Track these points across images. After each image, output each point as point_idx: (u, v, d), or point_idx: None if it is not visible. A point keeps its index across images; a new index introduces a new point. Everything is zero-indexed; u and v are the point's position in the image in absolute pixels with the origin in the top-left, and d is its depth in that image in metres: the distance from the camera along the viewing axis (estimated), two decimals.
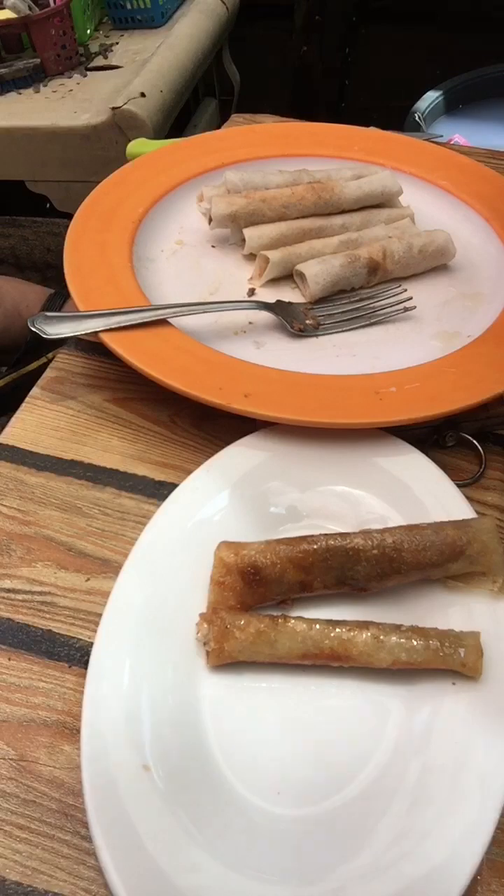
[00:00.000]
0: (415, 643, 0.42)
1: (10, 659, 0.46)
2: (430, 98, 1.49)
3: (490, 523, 0.47)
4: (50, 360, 0.65)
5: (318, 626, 0.43)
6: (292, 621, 0.43)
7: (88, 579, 0.50)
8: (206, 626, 0.44)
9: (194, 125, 1.67)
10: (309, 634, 0.43)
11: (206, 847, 0.37)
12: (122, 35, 1.58)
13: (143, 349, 0.57)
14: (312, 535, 0.47)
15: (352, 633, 0.43)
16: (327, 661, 0.43)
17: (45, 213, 1.38)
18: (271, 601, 0.46)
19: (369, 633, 0.43)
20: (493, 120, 1.49)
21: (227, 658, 0.43)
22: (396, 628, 0.43)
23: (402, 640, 0.42)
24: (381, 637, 0.43)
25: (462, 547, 0.45)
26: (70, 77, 1.45)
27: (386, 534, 0.46)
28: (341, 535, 0.46)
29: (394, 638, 0.43)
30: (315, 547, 0.46)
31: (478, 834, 0.37)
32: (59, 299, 0.89)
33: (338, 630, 0.43)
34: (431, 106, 1.48)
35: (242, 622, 0.43)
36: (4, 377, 0.79)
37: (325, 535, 0.46)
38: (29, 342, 0.78)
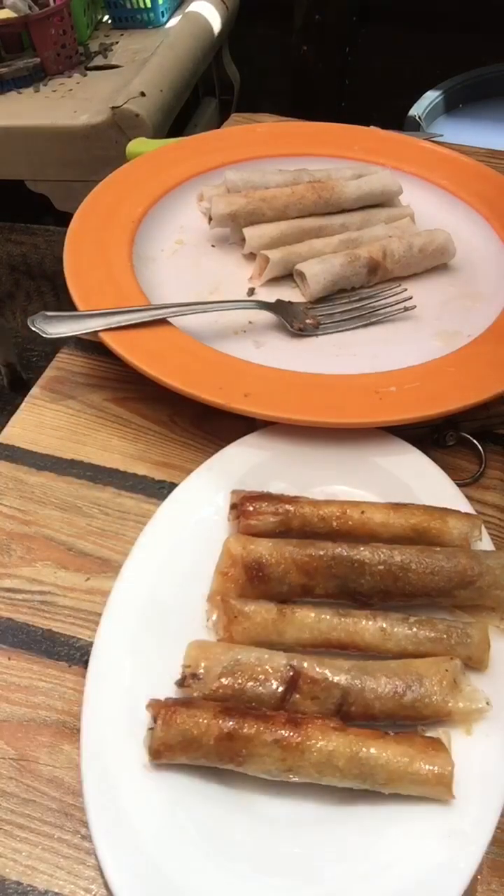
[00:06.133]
0: (421, 635, 0.42)
1: (10, 658, 0.46)
2: (430, 98, 1.49)
3: None
4: None
5: (326, 617, 0.43)
6: (299, 612, 0.43)
7: (88, 579, 0.50)
8: (215, 612, 0.44)
9: (194, 125, 1.67)
10: (318, 627, 0.43)
11: (205, 846, 0.37)
12: (122, 34, 1.57)
13: (143, 349, 0.57)
14: (321, 542, 0.46)
15: (359, 626, 0.43)
16: (335, 649, 0.43)
17: (50, 215, 1.38)
18: (271, 600, 0.46)
19: (376, 625, 0.43)
20: (493, 120, 1.49)
21: (237, 637, 0.43)
22: (404, 620, 0.43)
23: (409, 632, 0.43)
24: (389, 629, 0.43)
25: (473, 577, 0.44)
26: (70, 76, 1.44)
27: (395, 551, 0.45)
28: (350, 545, 0.46)
29: (400, 629, 0.43)
30: (321, 553, 0.45)
31: (478, 834, 0.37)
32: None
33: (345, 621, 0.43)
34: (431, 106, 1.48)
35: (252, 608, 0.43)
36: None
37: (335, 542, 0.46)
38: None
